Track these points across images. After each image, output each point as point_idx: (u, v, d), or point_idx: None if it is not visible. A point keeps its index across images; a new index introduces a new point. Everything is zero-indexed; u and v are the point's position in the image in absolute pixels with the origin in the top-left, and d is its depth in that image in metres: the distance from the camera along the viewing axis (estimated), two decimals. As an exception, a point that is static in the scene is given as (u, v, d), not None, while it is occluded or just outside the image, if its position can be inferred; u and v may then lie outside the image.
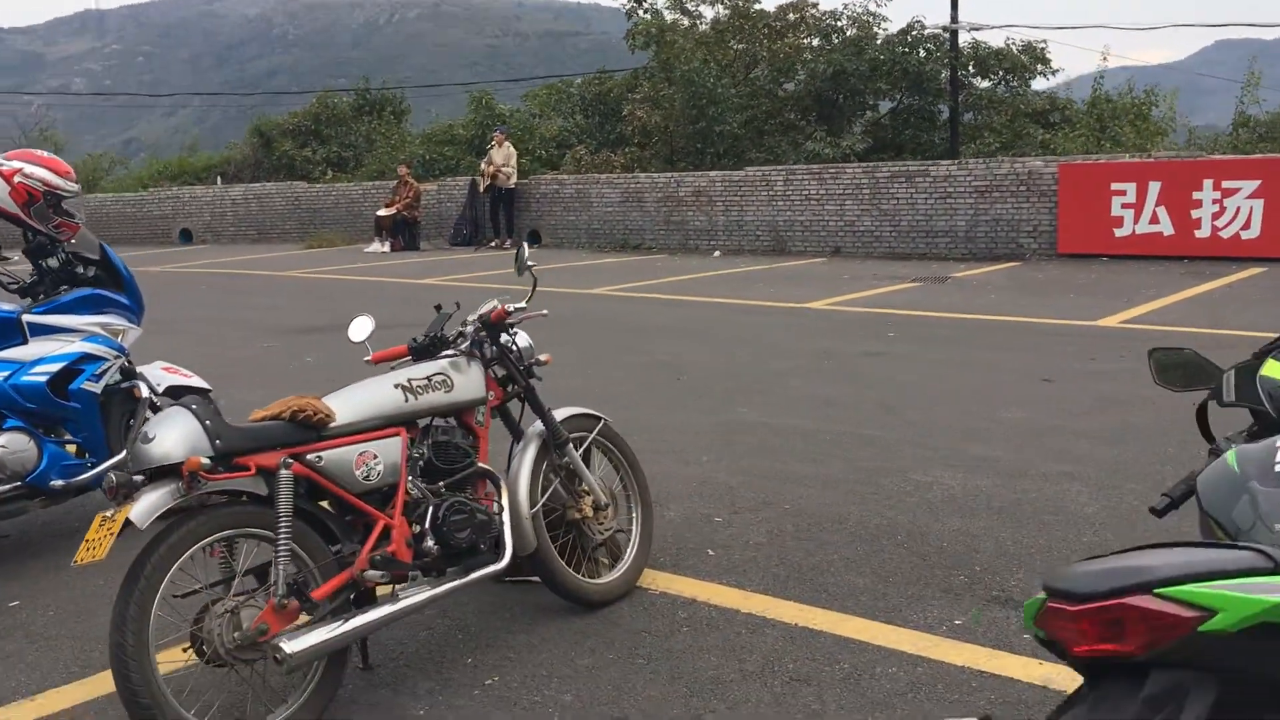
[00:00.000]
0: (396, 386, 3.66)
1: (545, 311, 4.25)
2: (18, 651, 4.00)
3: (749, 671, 3.63)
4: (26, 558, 5.02)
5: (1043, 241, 15.91)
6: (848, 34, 23.57)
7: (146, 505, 3.01)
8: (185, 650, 3.19)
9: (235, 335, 11.03)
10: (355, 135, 28.47)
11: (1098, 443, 6.17)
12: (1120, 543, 4.53)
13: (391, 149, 26.11)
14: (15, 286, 5.21)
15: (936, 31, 22.65)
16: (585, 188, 20.46)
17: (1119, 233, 15.18)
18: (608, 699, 3.50)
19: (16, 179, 4.90)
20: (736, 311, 11.78)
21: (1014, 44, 23.61)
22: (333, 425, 3.42)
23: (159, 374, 5.35)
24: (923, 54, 22.56)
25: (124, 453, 3.24)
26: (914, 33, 22.79)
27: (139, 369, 5.26)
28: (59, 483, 4.75)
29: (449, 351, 3.94)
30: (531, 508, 3.96)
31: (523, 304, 4.08)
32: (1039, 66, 23.38)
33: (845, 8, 24.19)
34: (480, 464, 3.88)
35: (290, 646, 3.09)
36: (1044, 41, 23.18)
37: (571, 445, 4.16)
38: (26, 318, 4.90)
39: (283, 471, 3.20)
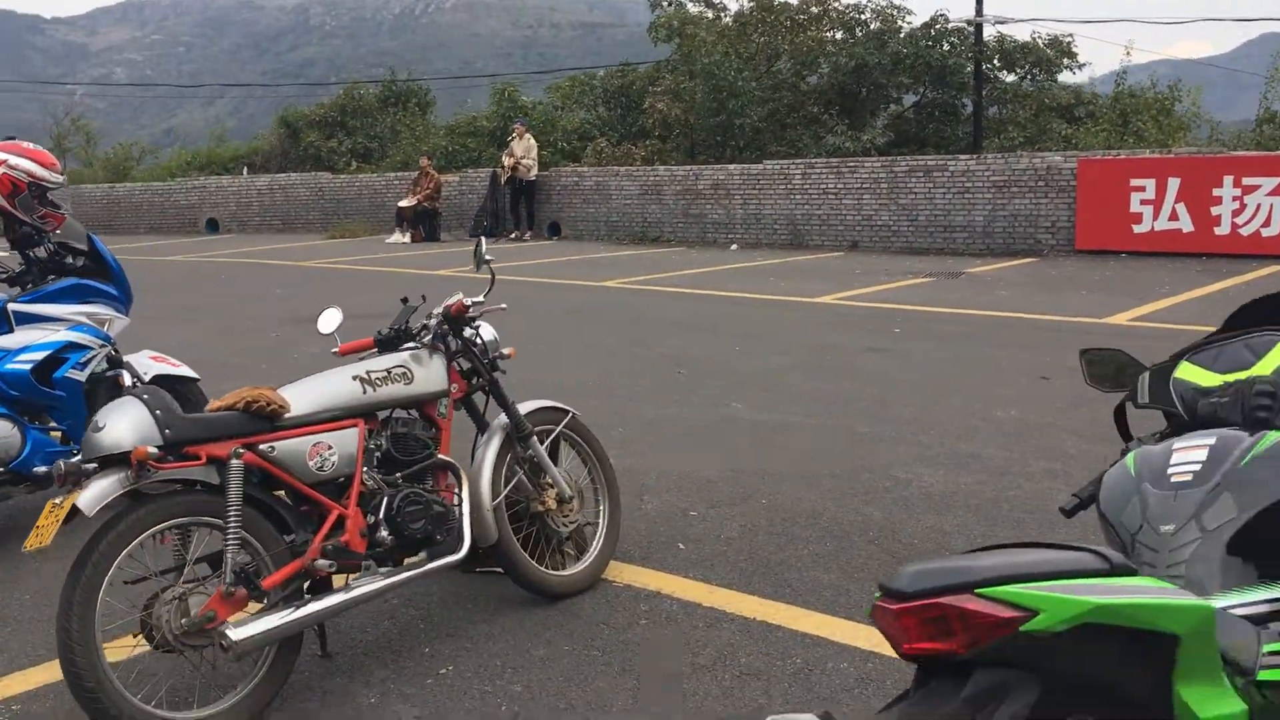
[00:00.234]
0: (355, 378, 3.70)
1: (504, 305, 4.28)
2: (-10, 634, 4.08)
3: (700, 665, 3.65)
4: (10, 542, 5.10)
5: (1061, 237, 15.79)
6: (871, 27, 23.45)
7: (94, 493, 3.06)
8: (135, 636, 3.25)
9: (246, 324, 11.14)
10: (381, 126, 28.62)
11: (1089, 441, 6.13)
12: (1095, 542, 4.51)
13: (416, 140, 26.23)
14: (4, 276, 5.29)
15: (960, 25, 22.51)
16: (604, 180, 20.48)
17: (1138, 229, 15.05)
18: (556, 690, 3.53)
19: (1, 170, 4.98)
20: (745, 305, 11.77)
21: (1040, 38, 23.43)
22: (288, 416, 3.47)
23: (146, 363, 5.42)
24: (946, 48, 22.41)
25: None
26: (937, 26, 22.64)
27: (126, 358, 5.33)
28: (43, 469, 4.82)
29: (410, 344, 3.98)
30: (493, 499, 3.99)
31: (480, 297, 4.10)
32: (1065, 60, 23.18)
33: (869, 1, 24.08)
34: (441, 456, 3.92)
35: (236, 634, 3.14)
36: (1070, 36, 23.01)
37: (536, 438, 4.18)
38: (12, 306, 4.99)
39: (233, 461, 3.25)
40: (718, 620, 4.02)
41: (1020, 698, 1.43)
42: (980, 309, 11.01)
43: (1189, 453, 2.07)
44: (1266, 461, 1.99)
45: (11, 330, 4.95)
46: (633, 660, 3.70)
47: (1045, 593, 1.41)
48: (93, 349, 5.10)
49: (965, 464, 5.80)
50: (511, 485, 4.13)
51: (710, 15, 24.96)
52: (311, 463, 3.48)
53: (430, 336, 4.01)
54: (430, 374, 3.93)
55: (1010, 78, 23.91)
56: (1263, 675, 1.79)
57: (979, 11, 22.22)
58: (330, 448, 3.53)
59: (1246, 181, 14.25)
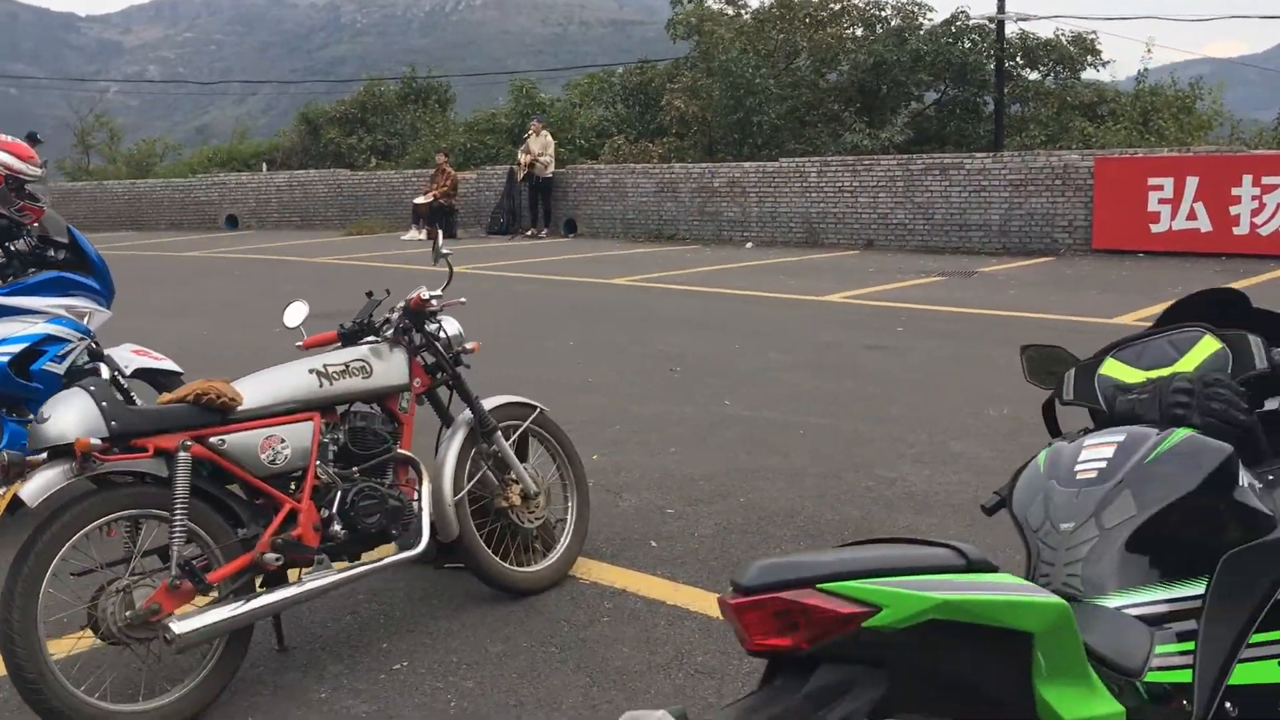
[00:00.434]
0: (311, 372, 3.69)
1: (463, 299, 4.26)
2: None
3: (656, 663, 3.62)
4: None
5: (1077, 237, 15.64)
6: (891, 24, 23.31)
7: (38, 484, 3.06)
8: (83, 628, 3.25)
9: (250, 319, 11.18)
10: (401, 124, 28.71)
11: (1079, 441, 6.05)
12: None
13: (435, 137, 26.29)
14: (-16, 269, 5.31)
15: (981, 22, 22.33)
16: (621, 178, 20.46)
17: (1155, 229, 14.88)
18: (508, 686, 3.51)
19: (-24, 164, 5.00)
20: (752, 303, 11.72)
21: (1063, 35, 23.21)
22: (240, 409, 3.46)
23: (128, 356, 5.45)
24: (967, 45, 22.24)
25: None
26: (958, 23, 22.48)
27: (107, 351, 5.35)
28: None
29: (371, 338, 3.97)
30: (455, 495, 3.98)
31: (439, 291, 4.09)
32: (1089, 58, 22.94)
33: (889, -2, 23.94)
34: (401, 451, 3.91)
35: (179, 627, 3.14)
36: (1093, 33, 22.78)
37: (500, 434, 4.16)
38: (-10, 299, 5.00)
39: (180, 454, 3.24)
40: (680, 618, 3.99)
41: (863, 694, 1.40)
42: (988, 308, 10.91)
43: (1097, 450, 2.03)
44: (1170, 459, 1.94)
45: (-10, 322, 4.97)
46: (589, 658, 3.68)
47: (888, 588, 1.37)
48: (71, 342, 5.11)
49: (951, 463, 5.75)
50: (475, 480, 4.11)
51: (731, 12, 24.88)
52: (263, 456, 3.47)
53: (392, 331, 4.00)
54: (390, 368, 3.91)
55: (1034, 75, 23.70)
56: (1151, 676, 1.76)
57: (1001, 8, 22.04)
58: (283, 441, 3.52)
59: (1266, 181, 14.07)
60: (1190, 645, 1.83)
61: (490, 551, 4.09)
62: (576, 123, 24.42)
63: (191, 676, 3.31)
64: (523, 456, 4.37)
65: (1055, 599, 1.48)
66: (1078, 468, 2.02)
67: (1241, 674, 1.87)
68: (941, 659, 1.44)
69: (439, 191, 21.31)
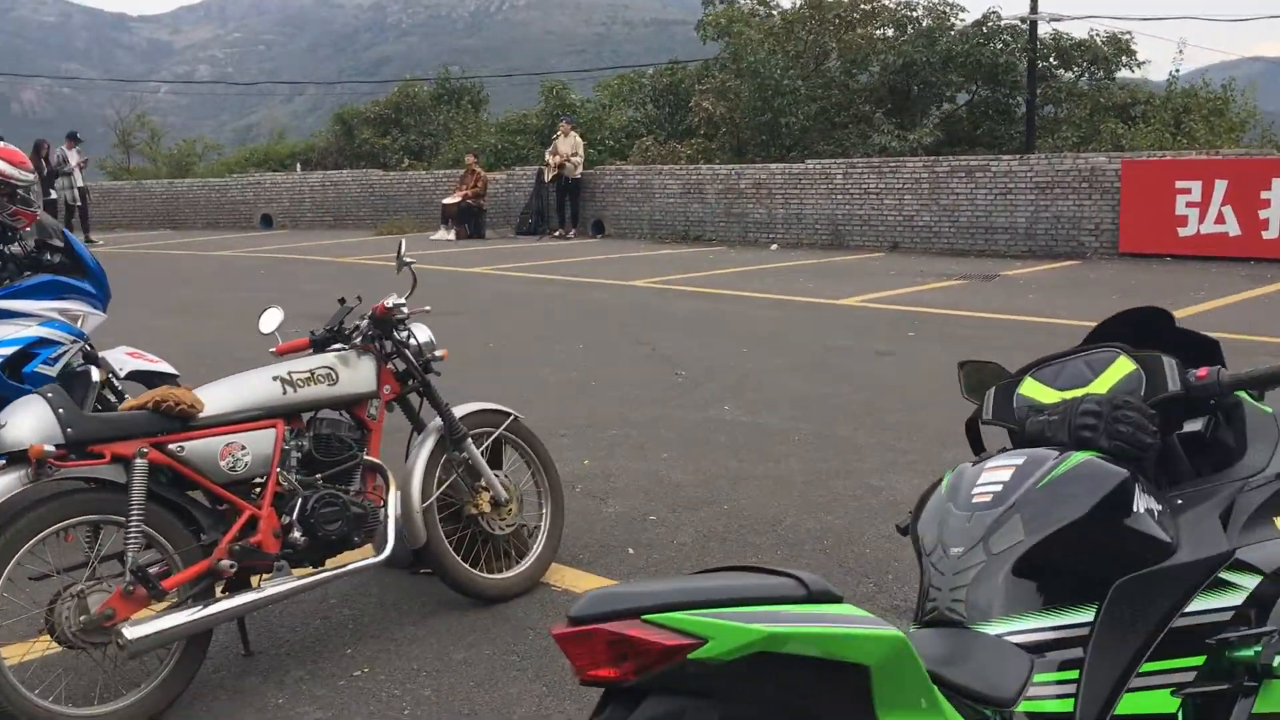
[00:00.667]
0: (275, 379, 3.72)
1: (428, 307, 4.28)
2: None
3: (613, 673, 3.62)
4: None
5: (1104, 240, 15.47)
6: (923, 24, 23.14)
7: (-8, 490, 3.11)
8: (41, 633, 3.30)
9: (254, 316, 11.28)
10: (434, 124, 28.87)
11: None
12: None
13: (468, 138, 26.42)
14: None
15: (1013, 23, 22.12)
16: (648, 179, 20.46)
17: (1183, 232, 14.68)
18: (464, 694, 3.53)
19: (-32, 170, 5.08)
20: (766, 306, 11.68)
21: (1098, 35, 22.95)
22: (202, 416, 3.50)
23: (122, 358, 5.51)
24: (999, 46, 22.04)
25: None
26: (989, 24, 22.28)
27: (102, 354, 5.42)
28: None
29: (338, 345, 4.00)
30: (423, 501, 4.00)
31: (402, 299, 4.11)
32: (1123, 58, 22.68)
33: (921, -1, 23.77)
34: (369, 458, 3.93)
35: (131, 633, 3.18)
36: (1128, 33, 22.51)
37: (471, 440, 4.18)
38: (-17, 303, 5.08)
39: (137, 460, 3.28)
40: (645, 627, 3.98)
41: None
42: (1003, 313, 10.82)
43: (995, 473, 2.01)
44: (1063, 483, 1.92)
45: (-17, 326, 5.04)
46: (549, 667, 3.68)
47: (715, 620, 1.37)
48: (64, 345, 5.18)
49: (941, 471, 5.69)
50: (444, 487, 4.13)
51: (762, 12, 24.80)
52: (223, 463, 3.50)
53: (361, 338, 4.03)
54: (357, 375, 3.94)
55: (1067, 76, 23.45)
56: (1026, 706, 1.74)
57: (1034, 9, 21.82)
58: (244, 448, 3.55)
59: (1296, 184, 13.85)
60: (1075, 674, 1.81)
61: (459, 558, 4.11)
62: (606, 123, 24.44)
63: (148, 680, 3.35)
64: (497, 464, 4.38)
65: (892, 631, 1.46)
66: (974, 491, 2.00)
67: (1130, 704, 1.85)
68: (774, 691, 1.43)
69: (469, 192, 21.41)
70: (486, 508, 4.20)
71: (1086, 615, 1.86)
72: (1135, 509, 1.91)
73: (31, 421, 3.20)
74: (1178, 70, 21.87)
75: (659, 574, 4.48)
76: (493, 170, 23.16)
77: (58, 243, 5.35)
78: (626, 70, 28.41)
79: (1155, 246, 14.86)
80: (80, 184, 21.89)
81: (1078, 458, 1.97)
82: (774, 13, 24.93)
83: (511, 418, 4.38)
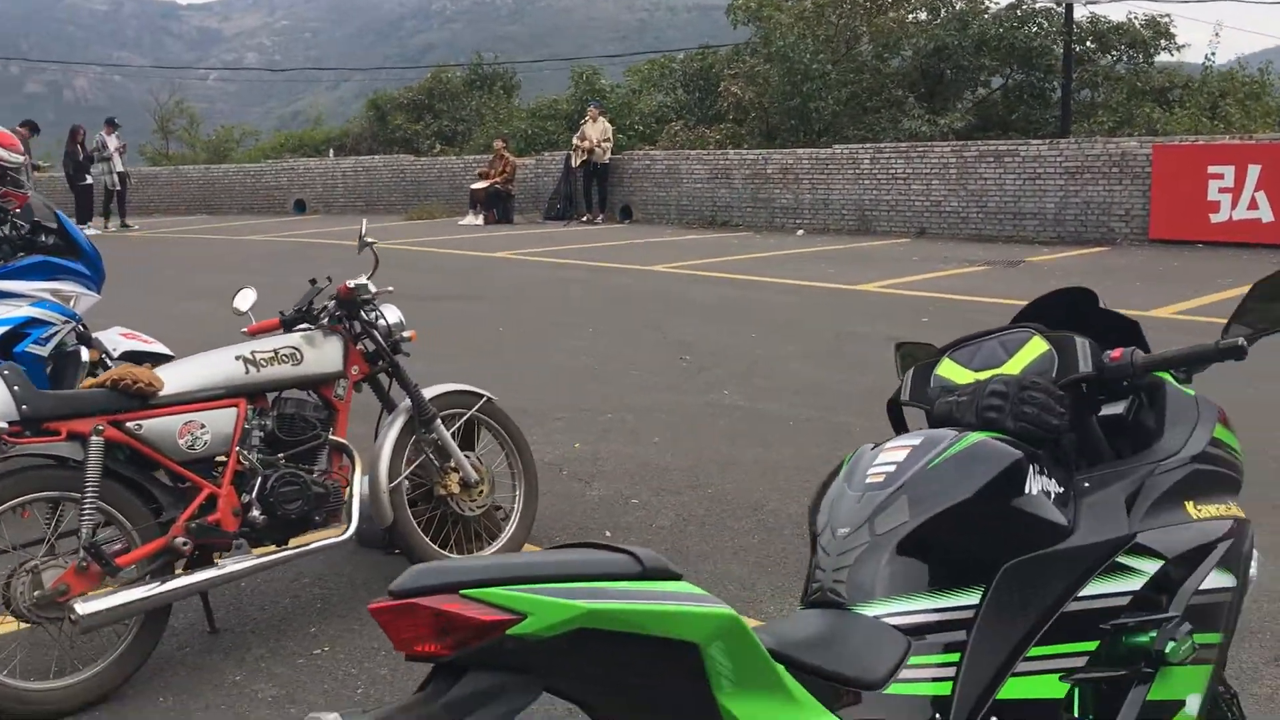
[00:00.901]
0: (238, 358, 3.74)
1: (391, 288, 4.26)
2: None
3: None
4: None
5: (1134, 226, 15.22)
6: (956, 7, 22.85)
7: (-56, 466, 3.15)
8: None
9: (276, 303, 11.35)
10: (466, 110, 28.92)
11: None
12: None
13: (499, 123, 26.45)
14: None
15: (1049, 6, 21.80)
16: (675, 164, 20.39)
17: (1215, 218, 14.41)
18: (421, 672, 3.50)
19: (-42, 152, 5.13)
20: (784, 292, 11.61)
21: (1136, 18, 22.56)
22: (162, 395, 3.52)
23: (116, 339, 5.56)
24: (1034, 29, 21.72)
25: None
26: (1024, 6, 21.96)
27: (95, 334, 5.47)
28: None
29: (304, 325, 4.01)
30: (390, 481, 4.01)
31: (364, 279, 4.11)
32: (1162, 41, 22.29)
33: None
34: (334, 437, 3.94)
35: (84, 608, 3.20)
36: (1168, 16, 22.10)
37: (440, 421, 4.17)
38: (-25, 284, 5.14)
39: (93, 438, 3.31)
40: (611, 610, 3.97)
41: (510, 702, 1.38)
42: (1024, 299, 10.61)
43: (893, 453, 1.97)
44: (953, 464, 1.88)
45: (-25, 306, 5.10)
46: (508, 647, 3.68)
47: (534, 596, 1.34)
48: (55, 325, 5.22)
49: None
50: (413, 468, 4.14)
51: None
52: (182, 441, 3.52)
53: (328, 318, 4.03)
54: (323, 355, 3.95)
55: (1105, 60, 23.07)
56: (897, 689, 1.70)
57: (1070, -8, 21.49)
58: (203, 427, 3.57)
59: (1332, 169, 13.56)
60: (956, 657, 1.77)
61: (427, 539, 4.12)
62: (636, 109, 24.37)
63: (104, 656, 3.38)
64: (470, 445, 4.38)
65: (722, 609, 1.43)
66: (869, 471, 1.97)
67: (1014, 688, 1.81)
68: (600, 668, 1.41)
69: (497, 177, 21.43)
70: (455, 489, 4.19)
71: (973, 598, 1.81)
72: (1028, 490, 1.87)
73: (-15, 398, 3.23)
74: (1213, 53, 21.47)
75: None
76: (523, 156, 23.17)
77: (51, 224, 5.40)
78: (657, 55, 28.26)
79: (1186, 233, 14.60)
80: (120, 169, 22.12)
81: (973, 438, 1.92)
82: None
83: (484, 399, 4.37)
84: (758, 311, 10.39)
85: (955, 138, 19.51)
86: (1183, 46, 22.38)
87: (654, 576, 1.44)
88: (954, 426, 2.06)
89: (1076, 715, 1.90)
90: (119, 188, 22.14)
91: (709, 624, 1.41)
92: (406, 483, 4.24)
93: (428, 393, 4.21)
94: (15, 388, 3.26)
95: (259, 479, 3.65)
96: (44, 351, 5.19)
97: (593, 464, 5.67)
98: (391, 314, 4.20)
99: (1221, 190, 14.31)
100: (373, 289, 4.10)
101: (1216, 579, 2.00)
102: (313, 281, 4.20)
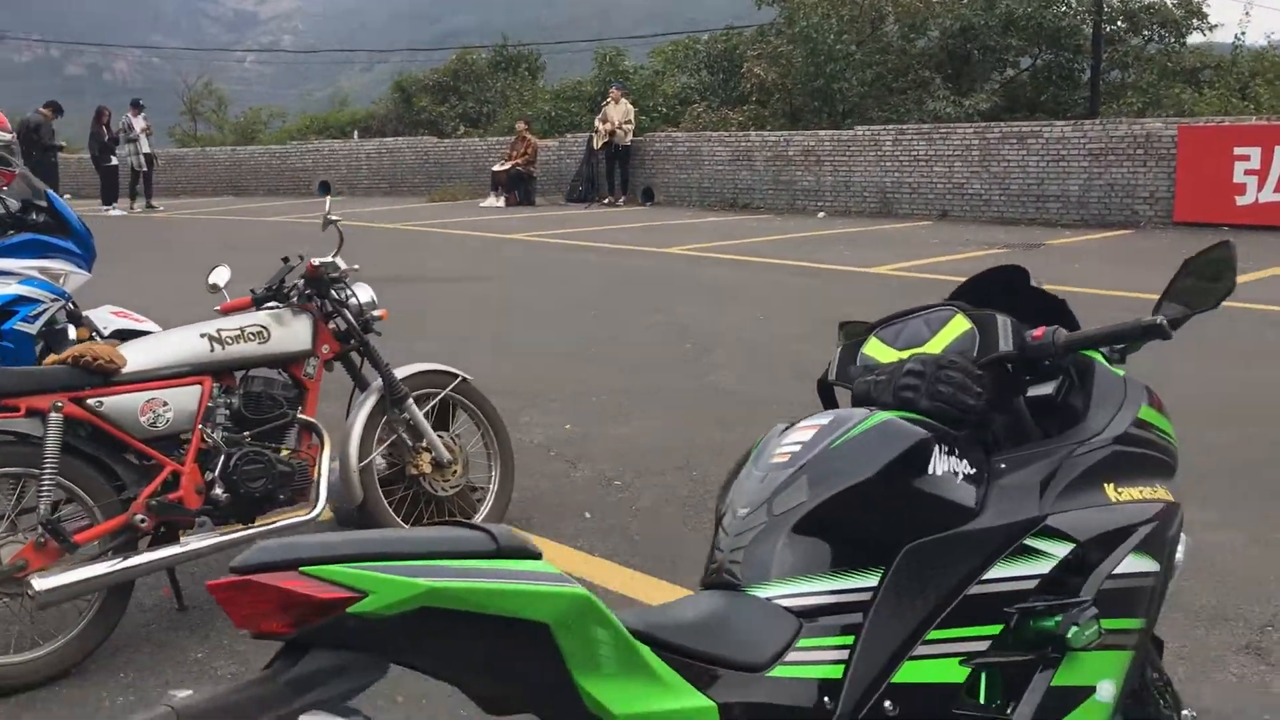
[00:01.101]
0: (203, 336, 3.74)
1: (356, 266, 4.24)
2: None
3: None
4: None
5: (1159, 209, 15.00)
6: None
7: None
8: (-40, 581, 3.35)
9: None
10: (491, 91, 28.91)
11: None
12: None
13: (523, 105, 26.43)
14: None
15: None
16: (696, 145, 20.30)
17: (1241, 201, 14.19)
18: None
19: (-54, 130, 5.16)
20: (796, 274, 11.53)
21: (1168, -3, 22.19)
22: (125, 372, 3.52)
23: (107, 317, 5.58)
24: (1062, 9, 21.41)
25: None
26: (1053, -15, 21.67)
27: (86, 313, 5.49)
28: None
29: (273, 304, 4.00)
30: (360, 461, 4.01)
31: (329, 258, 4.09)
32: (1194, 21, 21.91)
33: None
34: (303, 416, 3.93)
35: (41, 584, 3.21)
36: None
37: (412, 401, 4.16)
38: (-36, 262, 5.17)
39: (52, 414, 3.32)
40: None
41: (354, 679, 1.35)
42: (1040, 281, 10.53)
43: (801, 433, 1.93)
44: (856, 444, 1.84)
45: (-37, 285, 5.13)
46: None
47: (374, 574, 1.31)
48: (44, 303, 5.24)
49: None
50: (385, 447, 4.13)
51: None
52: (144, 418, 3.52)
53: (298, 296, 4.03)
54: (291, 334, 3.94)
55: (1136, 40, 22.72)
56: (783, 671, 1.67)
57: (1099, -30, 21.14)
58: (165, 404, 3.57)
59: (1361, 151, 13.30)
60: (850, 639, 1.74)
61: (398, 518, 4.11)
62: (659, 90, 24.25)
63: (65, 631, 3.40)
64: (444, 425, 4.37)
65: (573, 589, 1.40)
66: (776, 451, 1.93)
67: (911, 671, 1.76)
68: (448, 647, 1.38)
69: (519, 159, 21.42)
70: (427, 468, 4.19)
71: (872, 580, 1.77)
72: (931, 471, 1.82)
73: (-59, 375, 3.24)
74: (1243, 33, 21.09)
75: (611, 538, 4.44)
76: (546, 138, 23.13)
77: (41, 202, 5.43)
78: (681, 36, 28.10)
79: (1211, 215, 14.37)
80: (147, 150, 22.28)
81: (880, 417, 1.88)
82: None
83: (459, 379, 4.36)
84: (768, 294, 10.33)
85: (981, 119, 19.29)
86: (1215, 26, 22.02)
87: (509, 555, 1.41)
88: (872, 406, 2.02)
89: (983, 701, 1.86)
90: (145, 169, 22.30)
91: (558, 604, 1.38)
92: (382, 463, 4.24)
93: (401, 372, 4.20)
94: (-28, 364, 3.27)
95: (223, 457, 3.65)
96: (32, 329, 5.21)
97: (580, 445, 5.65)
98: (363, 292, 4.19)
99: (1248, 172, 14.08)
100: (342, 266, 4.09)
101: (1135, 563, 1.95)
102: (285, 259, 4.19)
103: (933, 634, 1.78)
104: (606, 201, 20.76)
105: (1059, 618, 1.82)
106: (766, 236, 15.01)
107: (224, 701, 1.33)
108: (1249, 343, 7.91)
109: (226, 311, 4.07)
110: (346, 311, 4.08)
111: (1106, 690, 1.90)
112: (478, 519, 4.28)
